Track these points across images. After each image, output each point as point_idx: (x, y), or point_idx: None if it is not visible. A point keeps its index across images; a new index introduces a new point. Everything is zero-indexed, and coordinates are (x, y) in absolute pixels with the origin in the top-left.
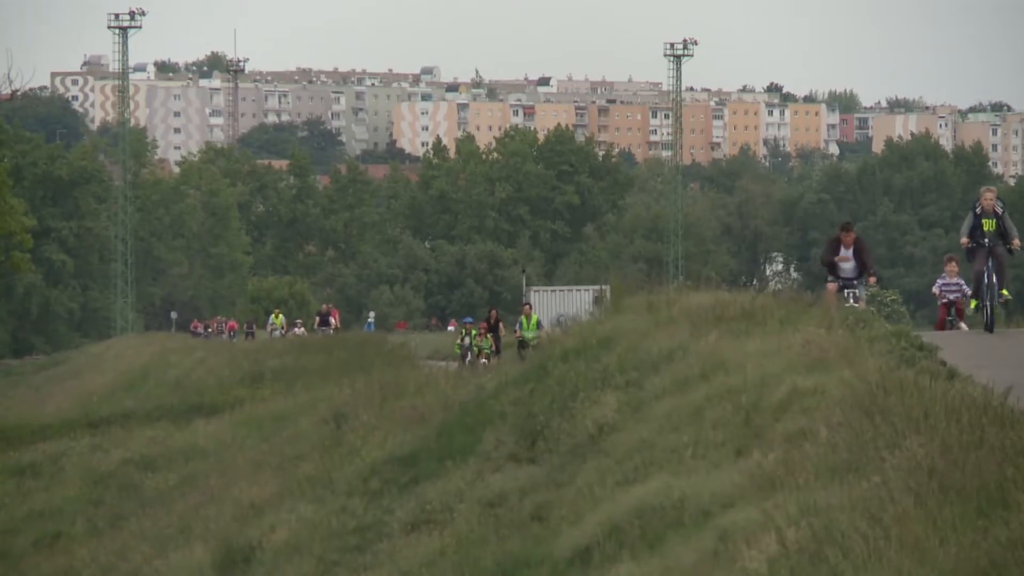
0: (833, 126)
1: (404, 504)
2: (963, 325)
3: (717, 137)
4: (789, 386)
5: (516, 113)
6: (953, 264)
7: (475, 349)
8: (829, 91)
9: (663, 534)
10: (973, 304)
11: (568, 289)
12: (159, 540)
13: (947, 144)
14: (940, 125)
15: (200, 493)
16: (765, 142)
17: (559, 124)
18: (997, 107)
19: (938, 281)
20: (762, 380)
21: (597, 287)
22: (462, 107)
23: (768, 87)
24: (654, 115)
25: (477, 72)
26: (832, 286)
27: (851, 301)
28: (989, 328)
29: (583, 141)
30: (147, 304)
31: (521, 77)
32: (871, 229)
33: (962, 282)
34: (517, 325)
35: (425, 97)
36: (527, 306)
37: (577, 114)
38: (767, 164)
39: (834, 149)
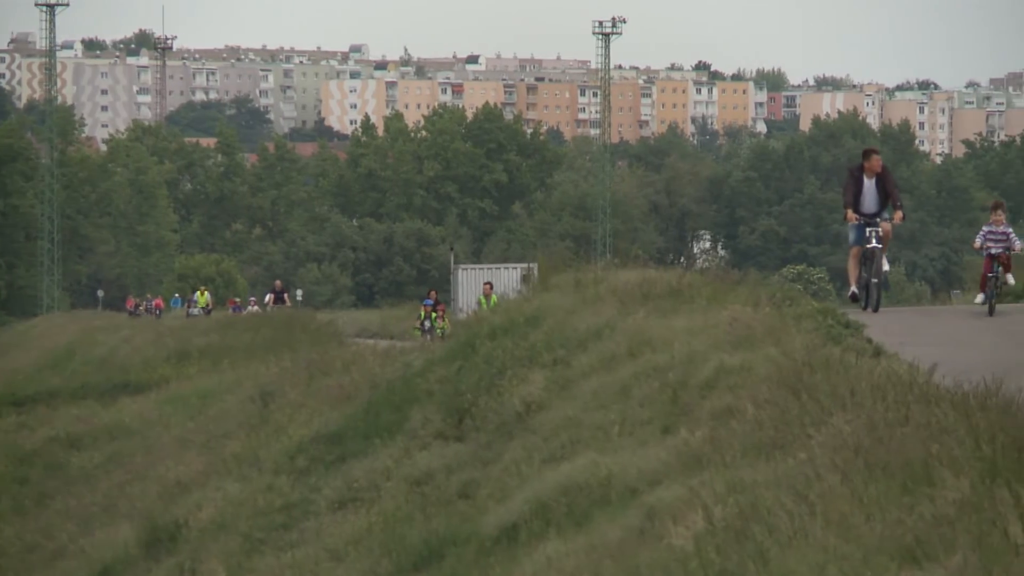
0: (761, 104)
1: (331, 482)
2: (1011, 278)
3: (645, 115)
4: (716, 364)
5: (444, 91)
6: (999, 212)
7: (438, 331)
8: (757, 69)
9: (590, 511)
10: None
11: (496, 267)
12: (84, 518)
13: (874, 122)
14: (867, 103)
15: (126, 471)
16: (693, 120)
17: (487, 102)
18: (924, 85)
19: (983, 230)
20: (689, 358)
21: (525, 265)
22: (390, 85)
23: (696, 65)
24: (582, 93)
25: (405, 50)
26: (852, 218)
27: (873, 241)
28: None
29: (511, 119)
30: (73, 282)
31: (449, 55)
32: (798, 207)
33: (1011, 231)
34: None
35: (353, 75)
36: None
37: (505, 92)
38: (695, 142)
39: (762, 127)
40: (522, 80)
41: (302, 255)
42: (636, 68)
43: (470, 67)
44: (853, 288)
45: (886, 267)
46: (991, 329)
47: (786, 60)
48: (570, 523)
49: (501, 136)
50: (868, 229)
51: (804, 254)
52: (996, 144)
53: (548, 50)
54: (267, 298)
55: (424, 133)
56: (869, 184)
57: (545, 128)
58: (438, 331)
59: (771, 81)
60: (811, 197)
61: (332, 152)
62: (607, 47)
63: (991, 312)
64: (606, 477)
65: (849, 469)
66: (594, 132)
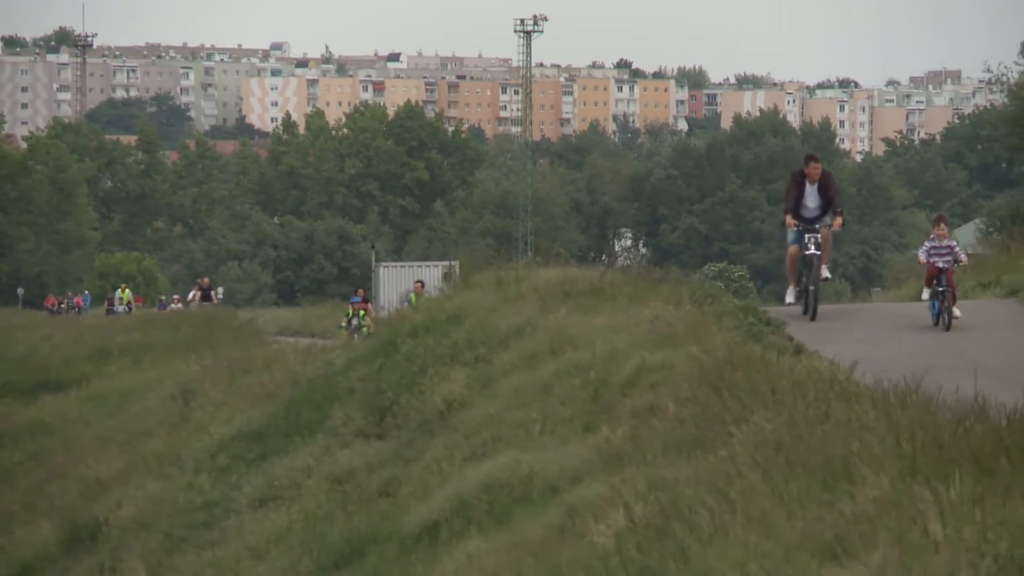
0: (682, 102)
1: (252, 480)
2: (957, 311)
3: (567, 113)
4: (637, 361)
5: (366, 89)
6: (942, 226)
7: (364, 329)
8: (678, 67)
9: (511, 509)
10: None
11: (417, 265)
12: (4, 517)
13: (795, 120)
14: (788, 101)
15: (46, 470)
16: (614, 118)
17: (409, 100)
18: (845, 84)
19: (925, 245)
20: (610, 355)
21: (446, 263)
22: (312, 83)
23: (617, 63)
24: (504, 91)
25: (327, 48)
26: (792, 224)
27: (812, 248)
28: None
29: (433, 117)
30: None
31: (371, 53)
32: (719, 205)
33: (955, 244)
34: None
35: (274, 73)
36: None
37: (427, 90)
38: (616, 140)
39: (683, 125)
40: (443, 78)
41: (223, 253)
42: (558, 66)
43: (391, 65)
44: (790, 296)
45: (826, 274)
46: (912, 326)
47: (707, 58)
48: (491, 521)
49: (422, 134)
50: (807, 235)
51: (725, 252)
52: (916, 142)
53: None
54: (191, 295)
55: (345, 131)
56: (811, 190)
57: (466, 126)
58: (364, 330)
59: (692, 79)
60: (732, 195)
61: (253, 150)
62: (528, 45)
63: (947, 328)
64: (527, 475)
65: (770, 466)
66: (515, 130)
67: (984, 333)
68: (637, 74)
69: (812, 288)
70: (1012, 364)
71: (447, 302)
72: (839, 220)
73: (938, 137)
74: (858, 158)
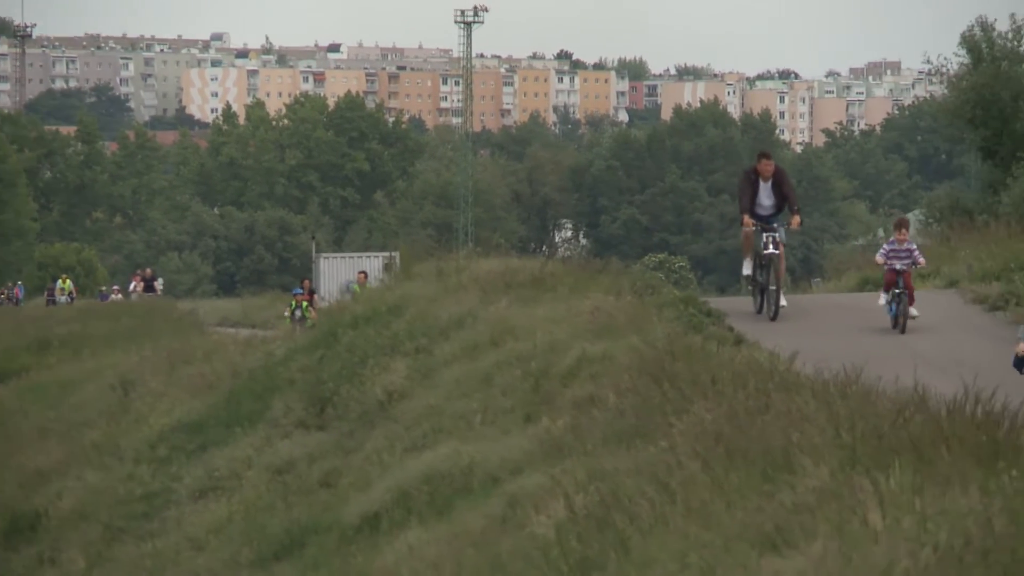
0: (622, 93)
1: (192, 471)
2: (914, 311)
3: (507, 104)
4: (578, 352)
5: (306, 80)
6: (904, 231)
7: (308, 322)
8: (619, 59)
9: (452, 500)
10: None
11: (358, 256)
12: None
13: (735, 111)
14: (728, 92)
15: None
16: (555, 109)
17: (349, 91)
18: (785, 75)
19: (884, 247)
20: (551, 346)
21: (387, 254)
22: (252, 74)
23: (558, 54)
24: (444, 82)
25: (267, 39)
26: (748, 224)
27: (771, 247)
28: None
29: (373, 108)
30: None
31: (311, 44)
32: (660, 196)
33: (915, 248)
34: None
35: (215, 63)
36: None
37: (367, 81)
38: (557, 131)
39: (623, 116)
40: (384, 69)
41: (163, 244)
42: (498, 57)
43: (332, 56)
44: (746, 268)
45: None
46: (851, 317)
47: (647, 49)
48: (432, 512)
49: (363, 125)
50: (765, 235)
51: (666, 243)
52: (856, 133)
53: (410, 39)
54: (132, 286)
55: (286, 122)
56: (765, 187)
57: (407, 117)
58: (308, 322)
59: (633, 70)
60: (672, 186)
61: (193, 141)
62: (469, 36)
63: (902, 331)
64: (468, 466)
65: (710, 457)
66: (456, 121)
67: (924, 324)
68: (577, 65)
69: (773, 288)
70: (951, 355)
71: (388, 293)
72: (797, 219)
73: (878, 128)
74: (798, 149)
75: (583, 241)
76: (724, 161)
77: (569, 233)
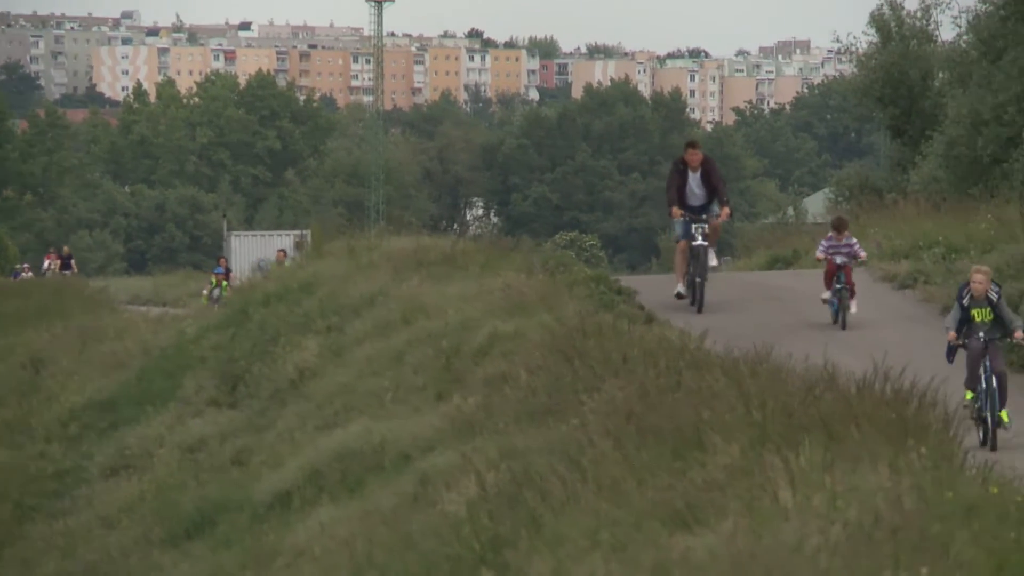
0: (533, 72)
1: (103, 449)
2: (854, 306)
3: (418, 83)
4: (489, 330)
5: (217, 58)
6: (845, 232)
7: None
8: (529, 37)
9: (363, 478)
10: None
11: (269, 234)
12: None
13: (645, 90)
14: (639, 71)
15: None
16: (466, 88)
17: (260, 69)
18: (695, 53)
19: (823, 243)
20: (463, 324)
21: (298, 232)
22: (163, 52)
23: (469, 33)
24: (355, 60)
25: (178, 16)
26: (677, 215)
27: (699, 239)
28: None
29: (284, 86)
30: None
31: (222, 22)
32: (570, 174)
33: (855, 242)
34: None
35: (125, 41)
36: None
37: (278, 59)
38: (468, 110)
39: (534, 95)
40: (295, 47)
41: (73, 222)
42: (409, 36)
43: (243, 34)
44: (680, 288)
45: (714, 262)
46: (760, 294)
47: (558, 28)
48: (343, 489)
49: (274, 103)
50: (694, 225)
51: (576, 221)
52: (766, 112)
53: (321, 17)
54: (46, 264)
55: (196, 100)
56: (694, 178)
57: (318, 95)
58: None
59: (543, 49)
60: (583, 164)
61: (104, 118)
62: (380, 14)
63: (843, 326)
64: (380, 444)
65: (621, 435)
66: (367, 99)
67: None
68: (488, 44)
69: (699, 280)
70: (859, 332)
71: (299, 271)
72: (726, 211)
73: (788, 107)
74: (708, 128)
75: (494, 219)
76: (634, 139)
77: (480, 211)
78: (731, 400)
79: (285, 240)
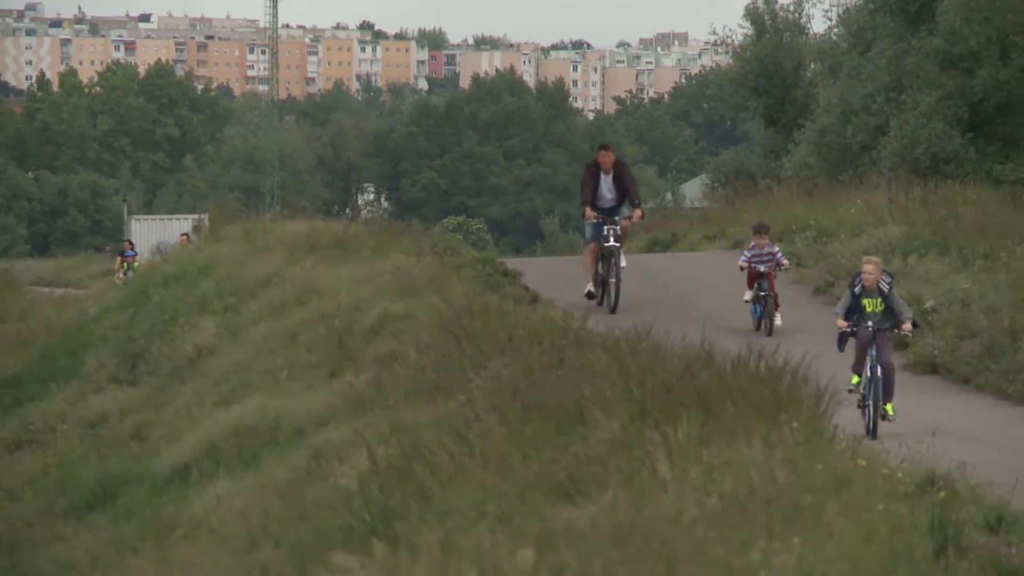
0: (422, 62)
1: (7, 425)
2: (779, 318)
3: (312, 72)
4: (380, 311)
5: (118, 48)
6: (764, 236)
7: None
8: (419, 29)
9: (259, 452)
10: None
11: (168, 218)
12: None
13: (530, 80)
14: (524, 62)
15: None
16: (358, 77)
17: (159, 59)
18: (578, 45)
19: (745, 252)
20: (355, 305)
21: (196, 216)
22: (65, 42)
23: (361, 25)
24: (251, 51)
25: (80, 8)
26: (590, 216)
27: (611, 240)
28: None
29: (182, 76)
30: None
31: (122, 14)
32: (458, 161)
33: (776, 250)
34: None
35: (29, 32)
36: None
37: (177, 50)
38: (360, 99)
39: (423, 84)
40: (193, 38)
41: None
42: (303, 27)
43: (143, 26)
44: (589, 287)
45: (623, 263)
46: (639, 275)
47: (447, 20)
48: (240, 463)
49: (173, 92)
50: (606, 227)
51: (464, 206)
52: (645, 101)
53: (218, 9)
54: None
55: (98, 89)
56: (606, 180)
57: (215, 85)
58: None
59: (432, 40)
60: (470, 151)
61: (8, 107)
62: (275, 6)
63: (768, 334)
64: (275, 419)
65: (507, 410)
66: (263, 89)
67: (709, 283)
68: (379, 35)
69: (612, 280)
70: (735, 312)
71: (197, 254)
72: (638, 212)
73: (666, 96)
74: (591, 116)
75: (385, 204)
76: (519, 128)
77: (371, 196)
78: (612, 377)
79: (184, 224)
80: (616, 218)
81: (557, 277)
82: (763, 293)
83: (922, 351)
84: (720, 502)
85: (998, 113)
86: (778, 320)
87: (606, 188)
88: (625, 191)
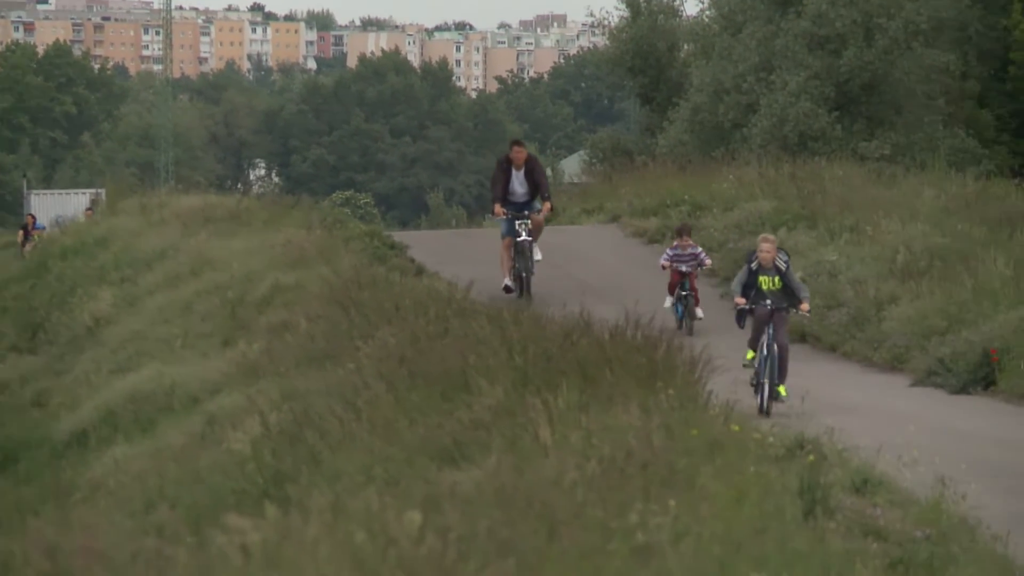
0: (311, 43)
1: None
2: (700, 312)
3: (204, 52)
4: (272, 282)
5: (17, 29)
6: (686, 238)
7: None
8: (308, 11)
9: (155, 418)
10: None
11: (67, 192)
12: None
13: (415, 60)
14: (408, 42)
15: None
16: (249, 57)
17: (58, 40)
18: (461, 26)
19: (668, 252)
20: (247, 276)
21: (94, 191)
22: None
23: (251, 7)
24: (146, 32)
25: None
26: (500, 212)
27: (524, 235)
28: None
29: (80, 55)
30: None
31: None
32: (346, 138)
33: (699, 251)
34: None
35: None
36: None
37: (74, 30)
38: (251, 78)
39: (312, 64)
40: (90, 20)
41: None
42: (196, 9)
43: (41, 7)
44: (507, 281)
45: (538, 256)
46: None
47: (334, 2)
48: (136, 429)
49: (71, 71)
50: (517, 222)
51: (352, 181)
52: (526, 81)
53: None
54: None
55: None
56: (518, 175)
57: (112, 64)
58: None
59: (321, 21)
60: (357, 128)
61: None
62: None
63: (689, 332)
64: (170, 386)
65: (394, 378)
66: (157, 68)
67: (588, 255)
68: (270, 17)
69: (526, 274)
70: (613, 283)
71: (95, 227)
72: (548, 205)
73: (546, 76)
74: (473, 95)
75: (276, 179)
76: (405, 106)
77: (263, 172)
78: (495, 346)
79: (82, 199)
80: (526, 213)
81: (442, 250)
82: (684, 293)
83: (792, 320)
84: (599, 466)
85: (863, 92)
86: (699, 314)
87: (518, 183)
88: (536, 185)
